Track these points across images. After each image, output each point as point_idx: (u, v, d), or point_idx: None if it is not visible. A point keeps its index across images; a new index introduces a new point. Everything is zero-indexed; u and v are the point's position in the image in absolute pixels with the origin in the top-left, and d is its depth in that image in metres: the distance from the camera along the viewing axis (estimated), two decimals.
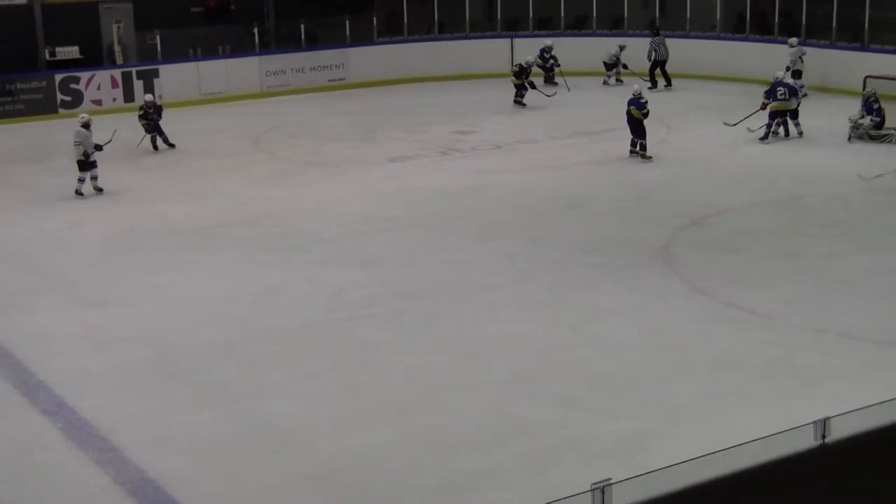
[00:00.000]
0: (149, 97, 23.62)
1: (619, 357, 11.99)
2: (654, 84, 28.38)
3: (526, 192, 18.98)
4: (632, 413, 10.66)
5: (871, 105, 21.79)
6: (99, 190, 19.41)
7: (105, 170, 19.73)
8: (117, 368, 12.09)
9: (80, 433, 10.58)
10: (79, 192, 19.23)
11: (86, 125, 19.35)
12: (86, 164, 19.27)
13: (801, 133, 22.05)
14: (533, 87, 26.81)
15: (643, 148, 20.78)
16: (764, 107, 21.99)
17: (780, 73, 22.81)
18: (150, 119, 22.86)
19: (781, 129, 22.09)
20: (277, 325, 13.24)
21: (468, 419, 10.68)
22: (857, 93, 22.80)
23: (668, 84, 28.62)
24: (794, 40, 26.15)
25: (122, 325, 13.40)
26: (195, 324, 13.35)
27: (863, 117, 21.74)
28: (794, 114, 22.16)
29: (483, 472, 9.70)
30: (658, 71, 28.77)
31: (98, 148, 19.46)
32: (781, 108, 21.86)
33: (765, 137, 21.83)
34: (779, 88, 21.87)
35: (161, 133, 23.02)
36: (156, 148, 22.99)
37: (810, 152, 21.26)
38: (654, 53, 28.77)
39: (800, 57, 25.92)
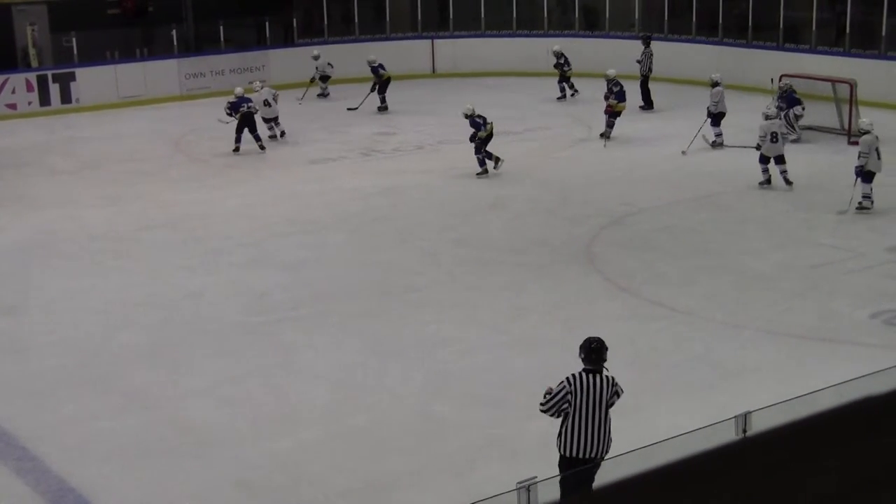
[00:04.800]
0: None
1: (542, 356, 12.04)
2: (649, 104, 25.93)
3: (448, 192, 19.00)
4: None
5: (792, 95, 22.00)
6: None
7: (21, 174, 19.41)
8: (35, 376, 11.89)
9: None
10: None
11: None
12: None
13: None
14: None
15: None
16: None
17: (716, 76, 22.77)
18: None
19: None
20: (199, 329, 13.12)
21: (392, 420, 10.67)
22: (770, 91, 23.08)
23: (649, 105, 26.10)
24: (717, 76, 22.63)
25: (40, 332, 13.19)
26: (114, 329, 13.18)
27: (781, 109, 21.94)
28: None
29: (408, 473, 9.69)
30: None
31: None
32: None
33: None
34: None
35: None
36: None
37: (729, 150, 21.52)
38: (642, 67, 26.22)
39: (723, 98, 22.32)
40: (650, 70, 26.10)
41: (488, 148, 20.04)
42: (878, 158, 16.90)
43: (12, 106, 26.72)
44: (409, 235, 16.62)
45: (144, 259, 15.83)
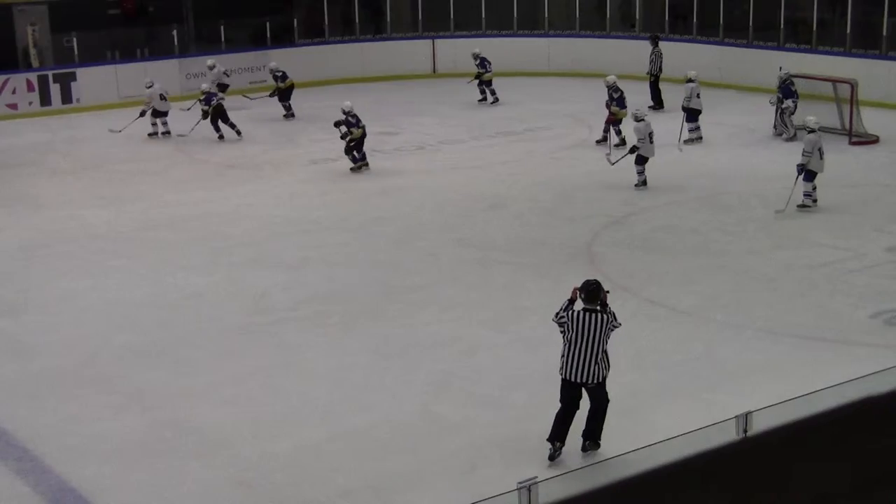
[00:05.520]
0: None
1: (542, 356, 12.01)
2: (659, 104, 25.70)
3: (449, 192, 19.00)
4: (556, 411, 10.69)
5: (789, 87, 22.04)
6: None
7: (22, 174, 19.42)
8: (35, 376, 11.89)
9: None
10: None
11: None
12: None
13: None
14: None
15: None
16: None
17: (692, 73, 22.79)
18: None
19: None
20: (200, 330, 13.11)
21: (393, 420, 10.66)
22: (773, 90, 23.06)
23: (660, 105, 25.82)
24: (692, 73, 22.90)
25: (40, 332, 13.19)
26: (115, 329, 13.17)
27: (781, 101, 21.98)
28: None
29: (409, 473, 9.69)
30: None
31: None
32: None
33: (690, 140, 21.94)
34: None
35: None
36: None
37: (729, 150, 21.54)
38: (653, 66, 26.01)
39: (696, 94, 22.32)
40: (660, 70, 26.02)
41: (358, 150, 20.34)
42: (821, 158, 17.14)
43: (13, 106, 26.74)
44: (410, 235, 16.61)
45: (145, 259, 15.83)
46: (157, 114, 24.21)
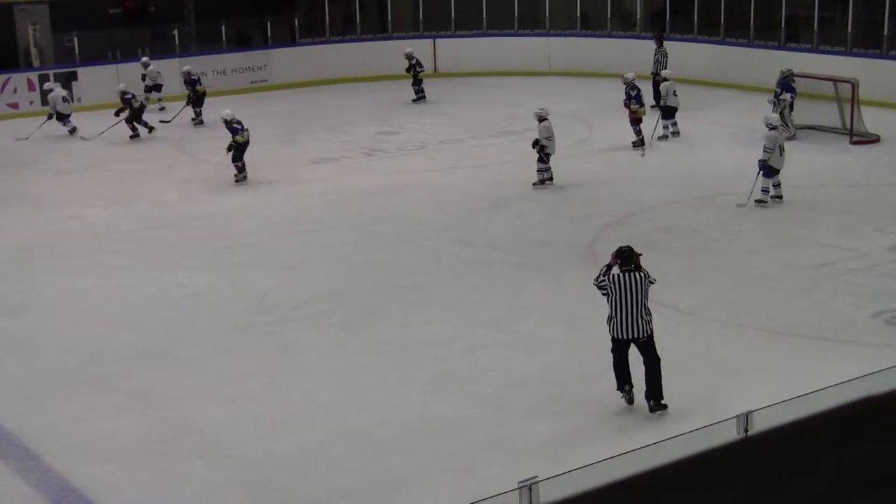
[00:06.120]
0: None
1: (544, 355, 12.04)
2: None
3: (450, 191, 19.01)
4: (557, 411, 10.71)
5: (789, 83, 22.06)
6: None
7: (23, 174, 19.43)
8: (38, 375, 11.90)
9: None
10: None
11: None
12: None
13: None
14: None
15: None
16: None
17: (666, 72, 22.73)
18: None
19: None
20: (202, 329, 13.12)
21: (394, 420, 10.67)
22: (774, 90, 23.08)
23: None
24: (666, 73, 23.32)
25: (42, 332, 13.21)
26: (118, 329, 13.19)
27: (778, 94, 21.99)
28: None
29: (410, 473, 9.69)
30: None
31: None
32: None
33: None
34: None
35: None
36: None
37: (730, 150, 21.54)
38: (658, 66, 25.77)
39: (672, 92, 22.49)
40: (665, 69, 25.90)
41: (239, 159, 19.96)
42: (781, 155, 17.24)
43: (14, 105, 26.75)
44: (411, 235, 16.62)
45: (147, 259, 15.85)
46: (61, 117, 24.51)
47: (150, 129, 24.43)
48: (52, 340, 12.90)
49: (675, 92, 22.31)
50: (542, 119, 19.04)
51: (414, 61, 27.33)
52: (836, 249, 15.32)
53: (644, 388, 10.50)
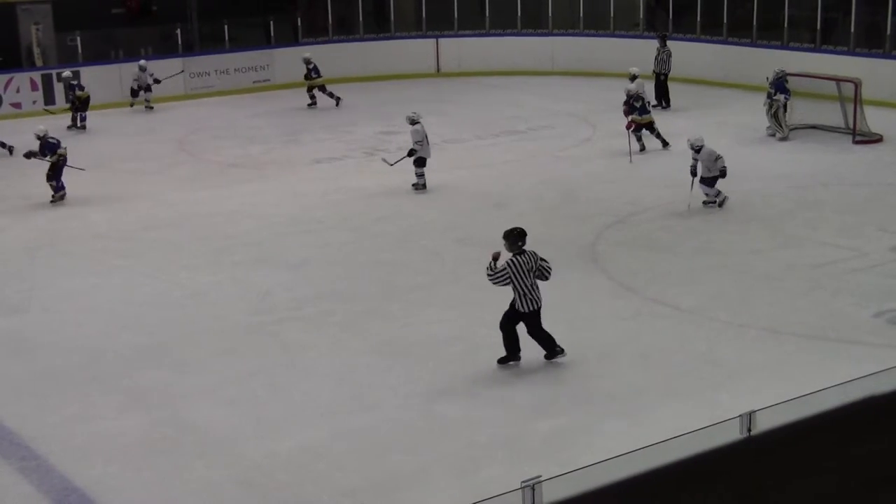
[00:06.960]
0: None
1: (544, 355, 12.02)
2: (667, 103, 25.80)
3: (452, 191, 18.99)
4: (560, 410, 10.71)
5: (783, 83, 22.04)
6: None
7: (25, 174, 19.42)
8: (39, 375, 11.90)
9: (1, 442, 10.39)
10: None
11: None
12: None
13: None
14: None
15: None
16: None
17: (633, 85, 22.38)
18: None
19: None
20: (203, 329, 13.12)
21: (396, 419, 10.66)
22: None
23: (667, 104, 25.95)
24: (635, 70, 23.14)
25: (44, 332, 13.20)
26: (119, 328, 13.18)
27: (771, 95, 21.97)
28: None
29: (412, 472, 9.69)
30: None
31: None
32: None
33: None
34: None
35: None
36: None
37: (732, 149, 21.48)
38: (662, 66, 26.00)
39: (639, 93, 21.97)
40: (669, 69, 25.97)
41: (57, 179, 19.19)
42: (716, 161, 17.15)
43: (17, 105, 26.75)
44: (413, 234, 16.61)
45: (148, 258, 15.84)
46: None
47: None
48: (53, 340, 12.89)
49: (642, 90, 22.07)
50: (413, 122, 18.91)
51: (311, 66, 27.19)
52: (839, 249, 15.30)
53: (543, 353, 11.67)
